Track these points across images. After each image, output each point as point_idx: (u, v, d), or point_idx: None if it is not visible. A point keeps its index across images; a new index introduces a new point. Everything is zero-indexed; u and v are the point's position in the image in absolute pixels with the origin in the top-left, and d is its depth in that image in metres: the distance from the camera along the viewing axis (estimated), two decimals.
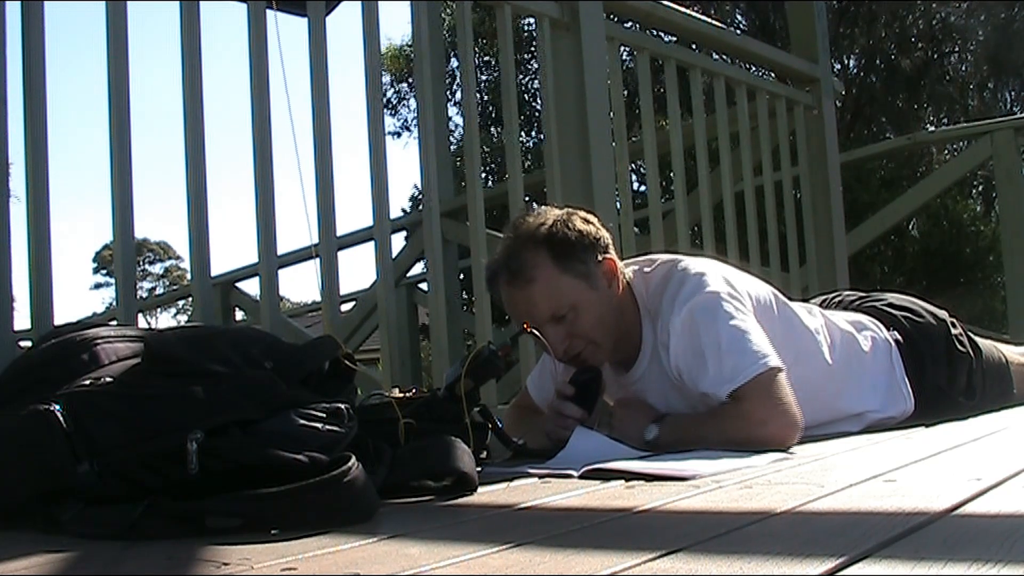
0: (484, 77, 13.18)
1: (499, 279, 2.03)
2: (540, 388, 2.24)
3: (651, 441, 1.89)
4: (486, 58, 13.54)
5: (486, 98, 12.66)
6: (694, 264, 2.07)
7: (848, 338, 2.27)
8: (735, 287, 2.01)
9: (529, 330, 1.99)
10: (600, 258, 2.02)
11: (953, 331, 2.45)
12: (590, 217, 2.07)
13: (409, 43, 14.71)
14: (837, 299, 2.56)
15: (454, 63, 10.74)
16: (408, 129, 15.74)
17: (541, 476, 1.68)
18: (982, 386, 2.45)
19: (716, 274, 2.03)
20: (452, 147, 8.23)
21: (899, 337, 2.35)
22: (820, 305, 2.47)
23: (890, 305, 2.47)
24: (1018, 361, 2.68)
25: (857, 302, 2.53)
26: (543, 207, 2.10)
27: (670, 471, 1.56)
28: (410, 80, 15.13)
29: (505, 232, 2.08)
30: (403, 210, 13.29)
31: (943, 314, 2.49)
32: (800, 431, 1.86)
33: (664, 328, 2.00)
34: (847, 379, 2.20)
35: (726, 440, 1.81)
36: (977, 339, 2.53)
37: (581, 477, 1.62)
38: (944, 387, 2.37)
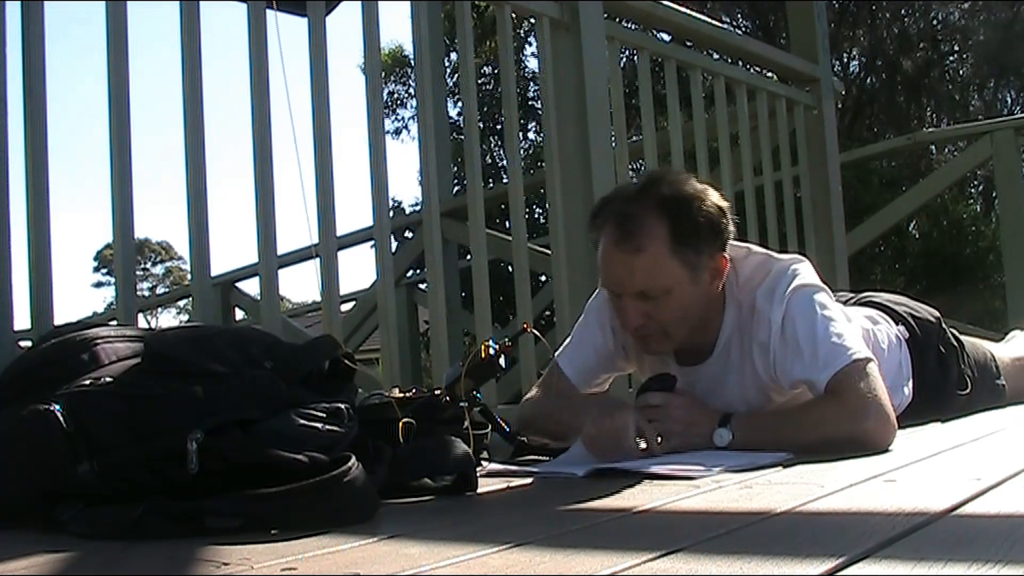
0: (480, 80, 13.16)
1: (605, 228, 1.88)
2: (581, 369, 2.09)
3: (723, 448, 1.76)
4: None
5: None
6: (787, 257, 2.03)
7: (870, 336, 2.26)
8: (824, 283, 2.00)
9: (529, 330, 1.97)
10: (715, 253, 1.91)
11: (942, 326, 2.48)
12: (723, 204, 1.93)
13: (393, 49, 14.75)
14: None
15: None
16: (406, 128, 15.75)
17: (543, 475, 1.68)
18: (972, 377, 2.47)
19: (808, 268, 2.01)
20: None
21: (906, 333, 2.36)
22: None
23: (888, 301, 2.48)
24: (1006, 358, 2.69)
25: (853, 299, 2.53)
26: (683, 171, 1.89)
27: (672, 471, 1.56)
28: (404, 81, 15.13)
29: (638, 180, 1.93)
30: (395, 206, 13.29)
31: (933, 310, 2.52)
32: (896, 430, 1.80)
33: (761, 322, 1.93)
34: None
35: (819, 439, 1.73)
36: (959, 334, 2.56)
37: (583, 477, 1.62)
38: (940, 381, 2.39)
